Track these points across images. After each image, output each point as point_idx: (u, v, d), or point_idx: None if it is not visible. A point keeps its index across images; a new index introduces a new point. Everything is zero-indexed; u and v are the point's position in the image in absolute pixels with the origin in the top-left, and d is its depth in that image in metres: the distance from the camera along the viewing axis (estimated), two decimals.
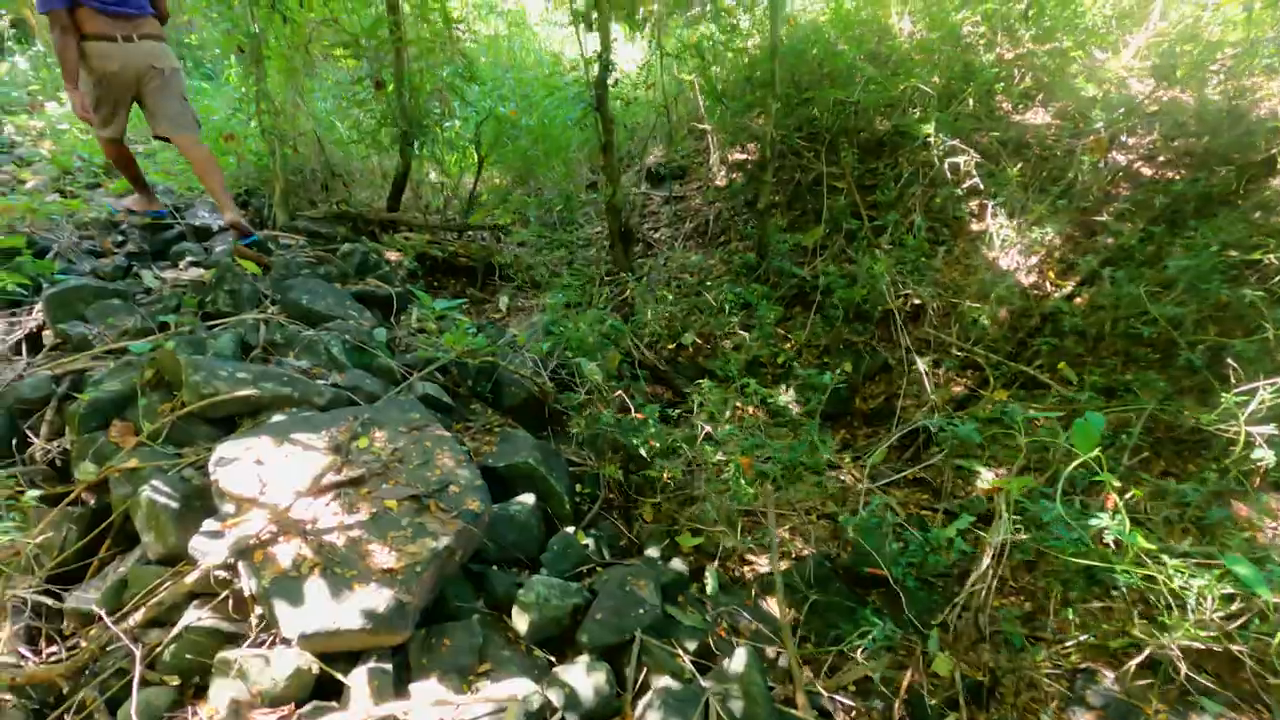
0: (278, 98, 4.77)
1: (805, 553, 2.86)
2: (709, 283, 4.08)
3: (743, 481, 2.53)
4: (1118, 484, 1.81)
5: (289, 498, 2.00)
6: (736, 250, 4.65)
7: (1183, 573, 1.85)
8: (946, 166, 4.08)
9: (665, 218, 5.44)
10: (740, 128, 4.96)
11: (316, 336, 2.98)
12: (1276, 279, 3.21)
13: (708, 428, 2.71)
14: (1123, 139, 4.29)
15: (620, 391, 3.09)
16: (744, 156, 5.31)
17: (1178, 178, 4.18)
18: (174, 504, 2.10)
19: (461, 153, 5.70)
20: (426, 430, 2.44)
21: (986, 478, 3.24)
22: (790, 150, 4.63)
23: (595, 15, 3.79)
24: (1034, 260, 4.01)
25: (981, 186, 4.04)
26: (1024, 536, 2.05)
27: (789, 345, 4.05)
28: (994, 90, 4.79)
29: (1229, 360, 2.88)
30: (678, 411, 3.46)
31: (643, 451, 2.84)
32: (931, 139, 4.05)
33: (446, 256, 4.61)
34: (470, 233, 5.18)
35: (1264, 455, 2.73)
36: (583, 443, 3.24)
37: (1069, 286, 3.86)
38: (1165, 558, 1.85)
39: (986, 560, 1.93)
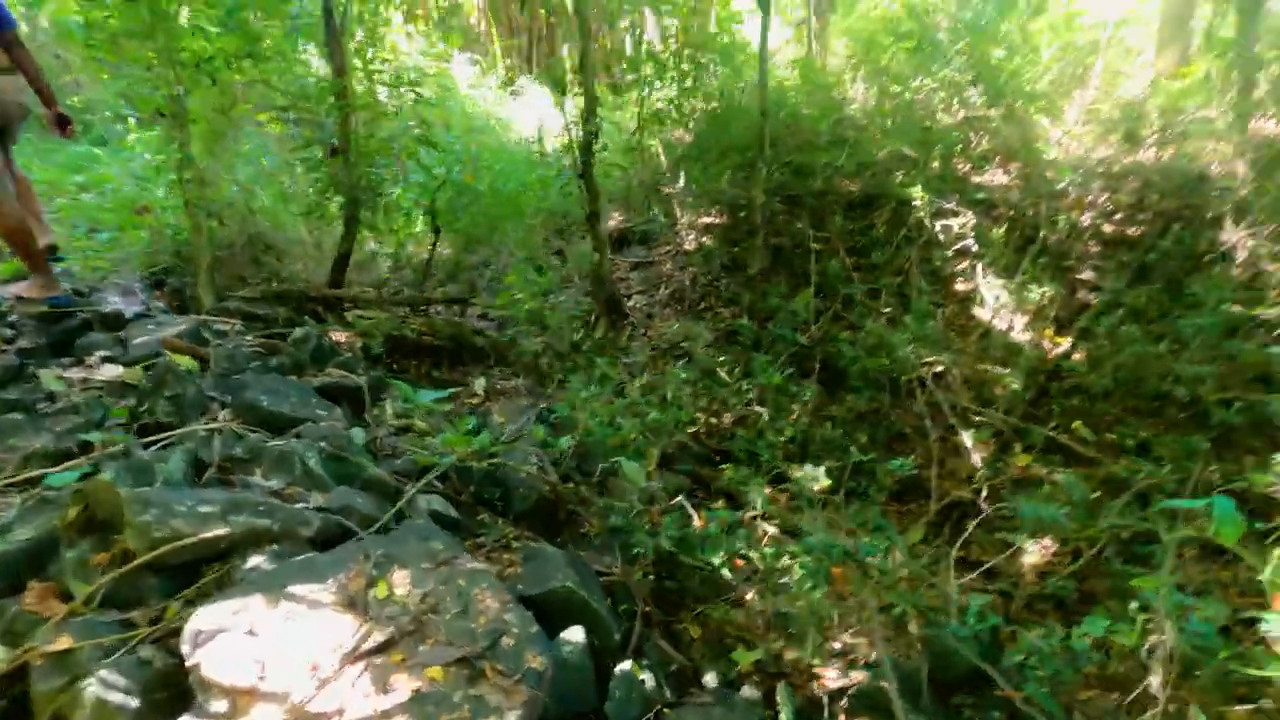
0: (202, 165, 4.23)
1: (874, 658, 2.54)
2: (709, 356, 3.82)
3: (817, 592, 2.20)
4: None
5: (304, 683, 1.50)
6: (724, 318, 4.43)
7: None
8: (939, 228, 4.06)
9: (636, 283, 5.19)
10: (712, 191, 4.83)
11: (288, 447, 2.46)
12: (1277, 332, 3.30)
13: (770, 528, 2.39)
14: (1088, 198, 4.45)
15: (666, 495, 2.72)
16: (713, 220, 5.18)
17: (1138, 234, 4.37)
18: (133, 702, 1.54)
19: (413, 221, 5.28)
20: (456, 564, 1.98)
21: (1032, 550, 3.07)
22: (772, 213, 4.52)
23: (576, 80, 3.56)
24: (1027, 319, 4.02)
25: (975, 248, 4.04)
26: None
27: (794, 416, 3.82)
28: (953, 153, 4.91)
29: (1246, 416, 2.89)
30: (703, 501, 3.12)
31: (687, 558, 2.48)
32: (918, 201, 4.04)
33: (411, 335, 4.13)
34: (430, 307, 4.73)
35: None
36: (603, 545, 2.83)
37: (1065, 344, 3.87)
38: None
39: (1157, 678, 1.69)
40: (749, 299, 4.24)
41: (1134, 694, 1.79)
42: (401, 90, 4.70)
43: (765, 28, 4.02)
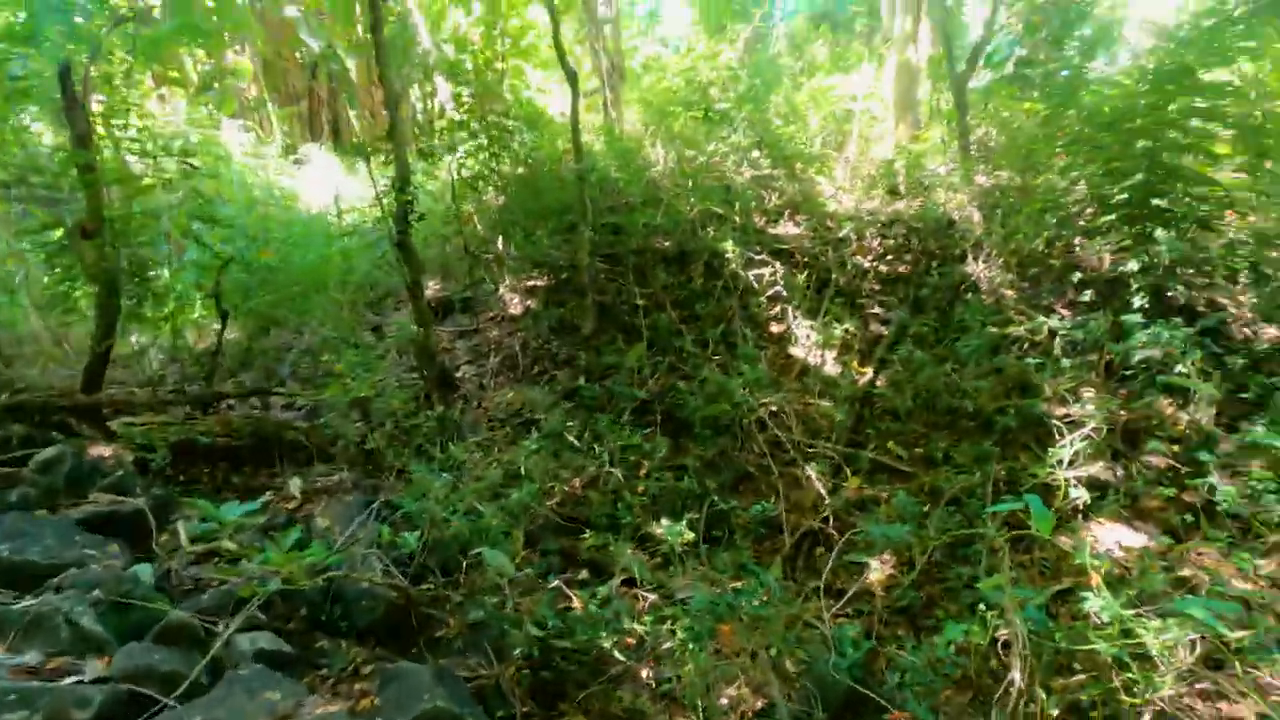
0: None
1: (764, 706, 2.53)
2: (554, 421, 3.70)
3: (702, 655, 2.15)
4: (1096, 563, 1.89)
5: None
6: (560, 381, 4.35)
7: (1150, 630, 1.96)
8: (751, 276, 4.37)
9: (464, 353, 4.94)
10: (535, 254, 4.80)
11: (46, 606, 1.92)
12: (1026, 347, 3.96)
13: (647, 595, 2.29)
14: (865, 243, 5.08)
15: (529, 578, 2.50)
16: (538, 283, 5.13)
17: (909, 271, 5.06)
18: None
19: (189, 306, 4.59)
20: (303, 715, 1.64)
21: (876, 568, 3.29)
22: (596, 273, 4.58)
23: (385, 148, 3.37)
24: (835, 354, 4.43)
25: (784, 293, 4.40)
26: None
27: (644, 472, 3.82)
28: (751, 209, 5.39)
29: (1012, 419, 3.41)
30: (567, 573, 2.95)
31: (568, 643, 2.30)
32: (730, 253, 4.33)
33: (202, 439, 3.51)
34: (223, 403, 4.08)
35: (1080, 494, 3.21)
36: (466, 646, 2.56)
37: (870, 372, 4.31)
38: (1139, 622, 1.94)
39: (1018, 672, 1.84)
40: (585, 359, 4.22)
41: (1001, 688, 1.94)
42: (166, 159, 4.12)
43: (575, 96, 4.16)
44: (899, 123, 6.06)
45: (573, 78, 4.06)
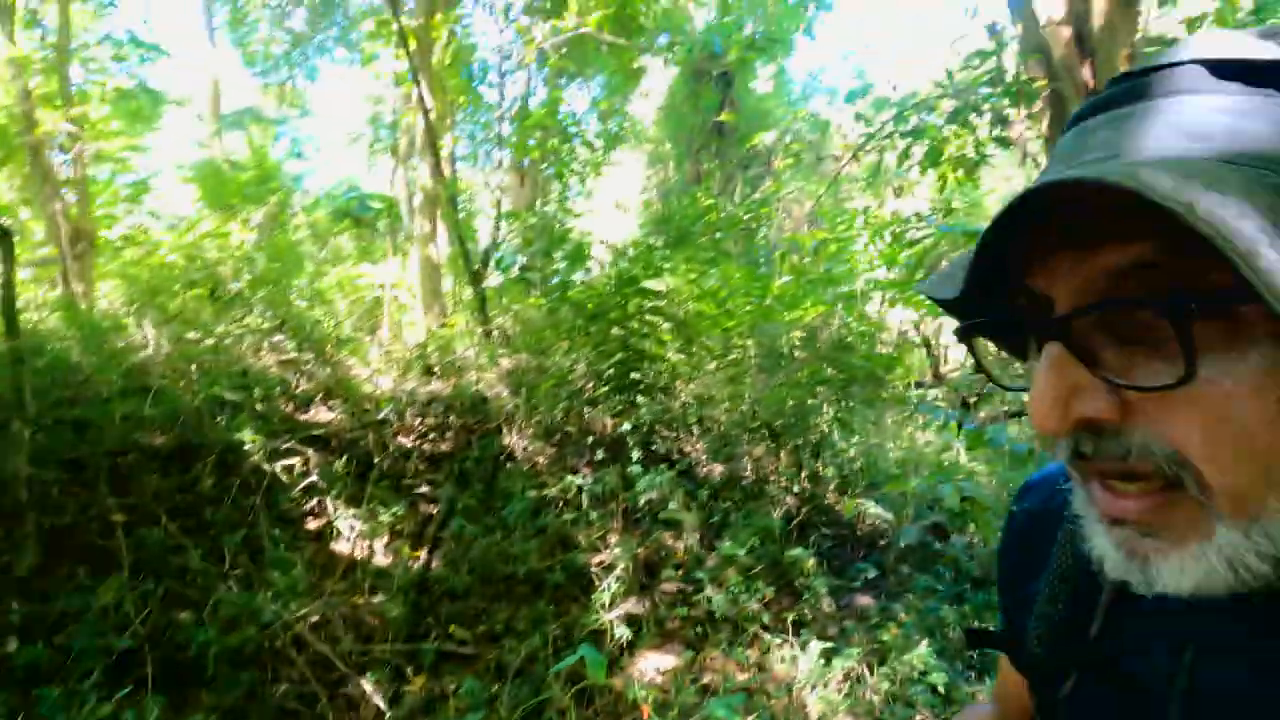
0: None
1: None
2: None
3: None
4: (643, 694, 2.04)
5: None
6: None
7: None
8: (279, 469, 3.81)
9: None
10: None
11: None
12: (562, 505, 4.36)
13: None
14: (407, 423, 5.04)
15: None
16: None
17: (452, 448, 5.19)
18: None
19: None
20: None
21: None
22: (45, 486, 3.36)
23: None
24: (385, 542, 4.12)
25: (322, 483, 3.95)
26: None
27: None
28: (276, 395, 4.86)
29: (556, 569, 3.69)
30: None
31: None
32: (250, 445, 3.74)
33: None
34: None
35: (623, 632, 3.55)
36: None
37: (423, 555, 4.11)
38: None
39: None
40: (19, 611, 2.93)
41: None
42: None
43: (9, 260, 3.15)
44: (428, 310, 6.46)
45: (4, 236, 3.12)
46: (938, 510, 4.68)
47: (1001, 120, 4.09)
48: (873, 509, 4.54)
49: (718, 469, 5.22)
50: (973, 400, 7.04)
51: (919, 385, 7.20)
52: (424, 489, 4.59)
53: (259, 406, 4.51)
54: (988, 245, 0.43)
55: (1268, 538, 0.41)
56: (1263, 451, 0.41)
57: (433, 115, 5.52)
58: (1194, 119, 0.41)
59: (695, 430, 5.52)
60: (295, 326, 5.30)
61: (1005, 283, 0.48)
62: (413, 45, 5.10)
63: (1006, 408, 6.98)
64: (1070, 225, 0.42)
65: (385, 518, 4.01)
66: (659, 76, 12.56)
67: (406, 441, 5.02)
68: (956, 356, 8.28)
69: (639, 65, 9.55)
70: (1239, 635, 0.49)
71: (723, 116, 10.09)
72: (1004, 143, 4.40)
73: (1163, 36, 3.97)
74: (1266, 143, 0.39)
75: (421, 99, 5.29)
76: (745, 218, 6.82)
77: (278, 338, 5.24)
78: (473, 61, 9.75)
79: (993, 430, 4.50)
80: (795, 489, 5.07)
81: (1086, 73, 2.91)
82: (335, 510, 4.13)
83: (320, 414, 5.06)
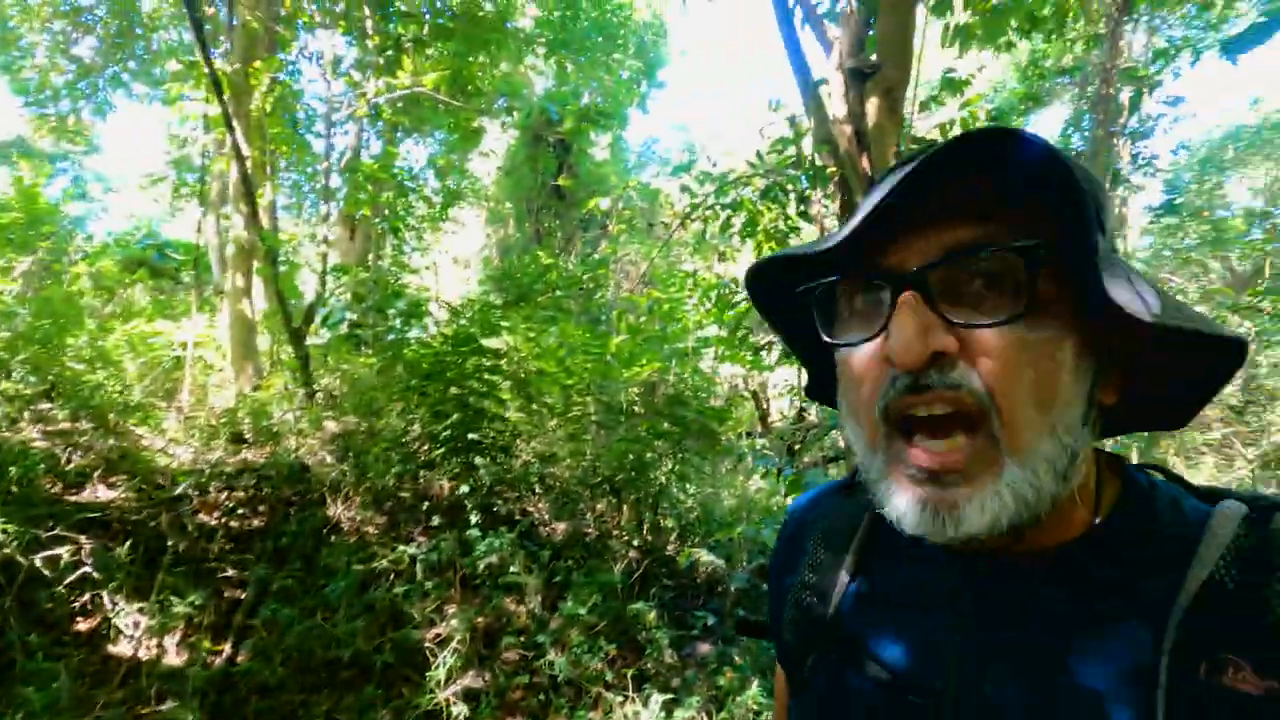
0: None
1: None
2: None
3: None
4: None
5: None
6: None
7: None
8: (40, 562, 3.21)
9: None
10: None
11: None
12: (393, 578, 4.07)
13: None
14: (210, 499, 4.48)
15: None
16: None
17: (265, 523, 4.69)
18: None
19: None
20: None
21: None
22: None
23: None
24: (178, 637, 3.58)
25: (97, 575, 3.38)
26: None
27: None
28: (38, 474, 4.13)
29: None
30: None
31: None
32: (3, 535, 3.13)
33: None
34: None
35: (460, 708, 3.36)
36: None
37: (227, 648, 3.63)
38: None
39: None
40: None
41: None
42: None
43: None
44: (240, 372, 5.88)
45: None
46: (766, 554, 4.98)
47: (803, 199, 4.65)
48: (706, 557, 4.73)
49: (560, 528, 5.18)
50: (797, 447, 7.65)
51: (749, 435, 7.68)
52: (230, 572, 4.08)
53: (14, 489, 3.80)
54: (876, 209, 0.54)
55: (1035, 474, 0.53)
56: (1047, 401, 0.53)
57: (249, 162, 5.17)
58: None
59: (538, 489, 5.46)
60: (69, 392, 4.58)
61: (857, 262, 0.59)
62: (227, 91, 4.78)
63: (824, 453, 7.65)
64: (918, 211, 0.55)
65: (180, 609, 3.51)
66: (499, 138, 12.73)
67: (209, 519, 4.46)
68: (780, 408, 8.99)
69: (478, 125, 9.63)
70: (994, 613, 0.60)
71: (560, 181, 10.40)
72: (807, 218, 4.99)
73: (923, 138, 4.76)
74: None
75: (236, 145, 4.94)
76: (584, 278, 7.02)
77: (45, 405, 4.50)
78: (299, 110, 9.29)
79: (811, 475, 4.93)
80: (637, 542, 5.15)
81: (865, 163, 3.40)
82: (114, 605, 3.55)
83: (99, 493, 4.37)
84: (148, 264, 8.62)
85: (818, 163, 4.07)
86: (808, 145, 4.75)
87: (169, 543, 4.09)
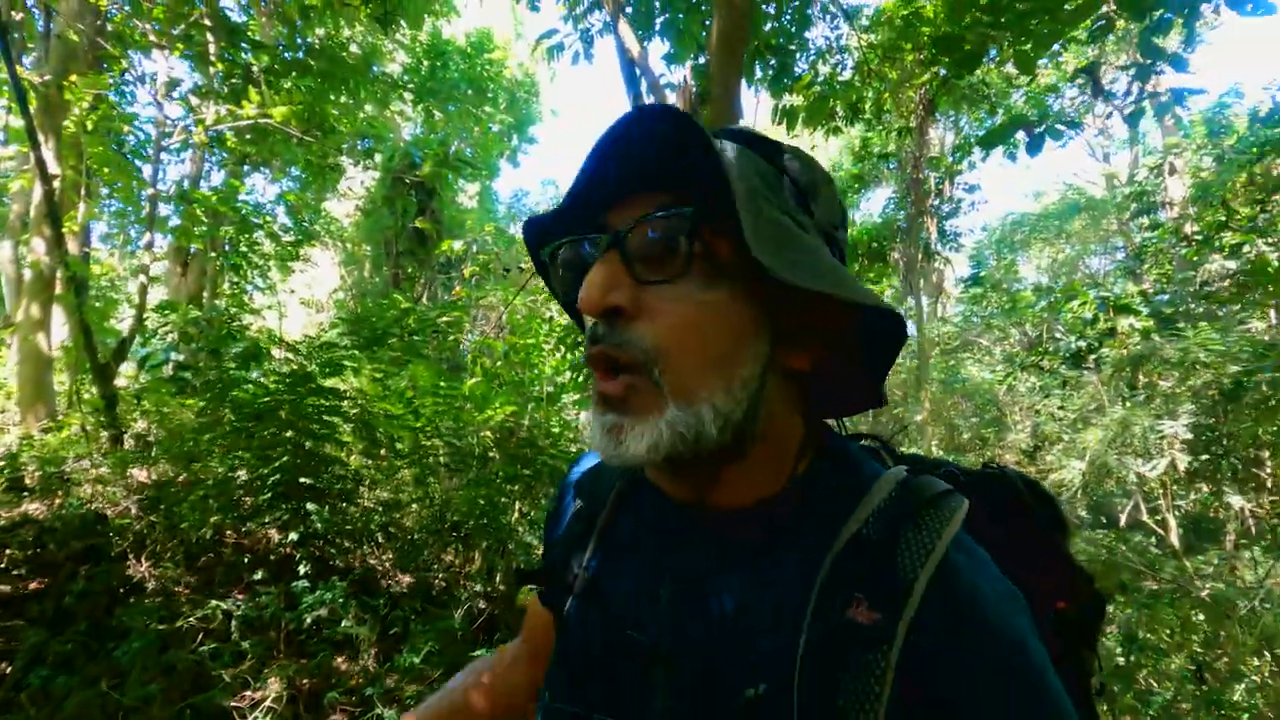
0: None
1: None
2: None
3: None
4: None
5: None
6: None
7: None
8: None
9: None
10: None
11: None
12: (201, 637, 3.67)
13: None
14: None
15: None
16: None
17: (47, 583, 4.09)
18: None
19: None
20: None
21: None
22: None
23: None
24: None
25: None
26: None
27: None
28: None
29: None
30: None
31: None
32: None
33: None
34: None
35: None
36: None
37: None
38: None
39: None
40: None
41: None
42: None
43: None
44: (27, 412, 5.16)
45: None
46: None
47: None
48: None
49: (405, 579, 4.93)
50: None
51: None
52: None
53: None
54: (585, 174, 0.62)
55: (697, 417, 0.61)
56: (715, 356, 0.60)
57: (57, 184, 4.69)
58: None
59: (380, 539, 5.18)
60: None
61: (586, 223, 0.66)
62: (32, 102, 4.36)
63: None
64: (637, 180, 0.62)
65: None
66: (359, 178, 12.36)
67: None
68: None
69: (335, 163, 9.33)
70: (697, 559, 0.70)
71: (418, 223, 10.24)
72: None
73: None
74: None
75: (41, 162, 4.47)
76: (441, 321, 6.90)
77: None
78: (129, 133, 8.55)
79: None
80: (487, 589, 5.00)
81: None
82: None
83: None
84: None
85: None
86: None
87: None
